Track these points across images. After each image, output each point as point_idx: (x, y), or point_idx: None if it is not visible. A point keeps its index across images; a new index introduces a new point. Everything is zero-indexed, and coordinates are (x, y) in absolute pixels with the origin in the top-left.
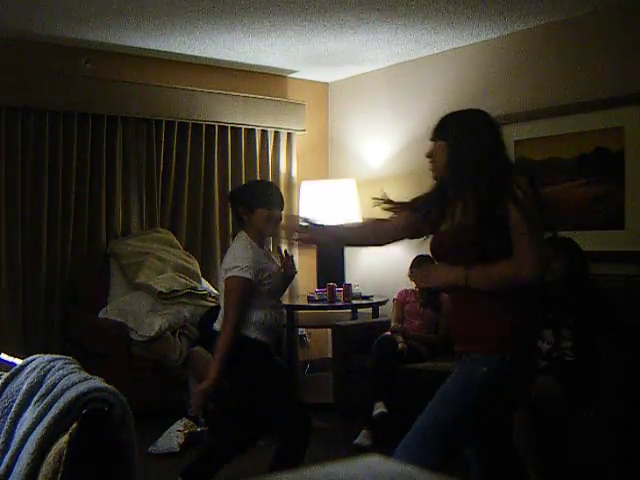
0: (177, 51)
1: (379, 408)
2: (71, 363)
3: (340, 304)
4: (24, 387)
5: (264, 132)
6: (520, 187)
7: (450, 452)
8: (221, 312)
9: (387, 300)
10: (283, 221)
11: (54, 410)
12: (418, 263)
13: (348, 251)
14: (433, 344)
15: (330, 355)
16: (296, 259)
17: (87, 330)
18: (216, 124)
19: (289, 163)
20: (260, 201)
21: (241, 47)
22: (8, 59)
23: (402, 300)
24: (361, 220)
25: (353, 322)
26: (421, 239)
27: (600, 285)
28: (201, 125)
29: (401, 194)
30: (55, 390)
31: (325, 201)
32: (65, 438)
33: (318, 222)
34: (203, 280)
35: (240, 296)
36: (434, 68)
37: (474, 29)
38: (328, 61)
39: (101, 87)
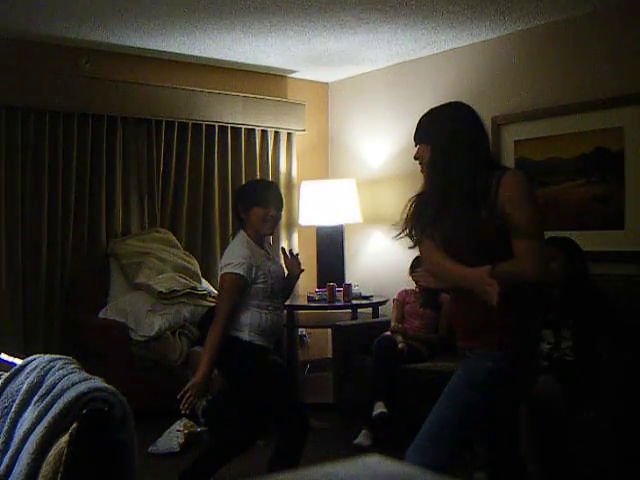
0: (177, 51)
1: (379, 408)
2: (71, 363)
3: (340, 304)
4: (24, 387)
5: (264, 132)
6: (516, 184)
7: (460, 450)
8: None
9: (387, 300)
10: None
11: (54, 410)
12: (418, 263)
13: (348, 251)
14: (433, 344)
15: (330, 355)
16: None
17: (87, 330)
18: (216, 124)
19: (289, 163)
20: (256, 200)
21: (241, 47)
22: (8, 59)
23: (402, 300)
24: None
25: (353, 322)
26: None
27: (600, 285)
28: (201, 125)
29: (401, 194)
30: (55, 390)
31: (325, 201)
32: (65, 438)
33: None
34: (203, 280)
35: (231, 291)
36: (434, 68)
37: (474, 29)
38: (328, 61)
39: (101, 87)
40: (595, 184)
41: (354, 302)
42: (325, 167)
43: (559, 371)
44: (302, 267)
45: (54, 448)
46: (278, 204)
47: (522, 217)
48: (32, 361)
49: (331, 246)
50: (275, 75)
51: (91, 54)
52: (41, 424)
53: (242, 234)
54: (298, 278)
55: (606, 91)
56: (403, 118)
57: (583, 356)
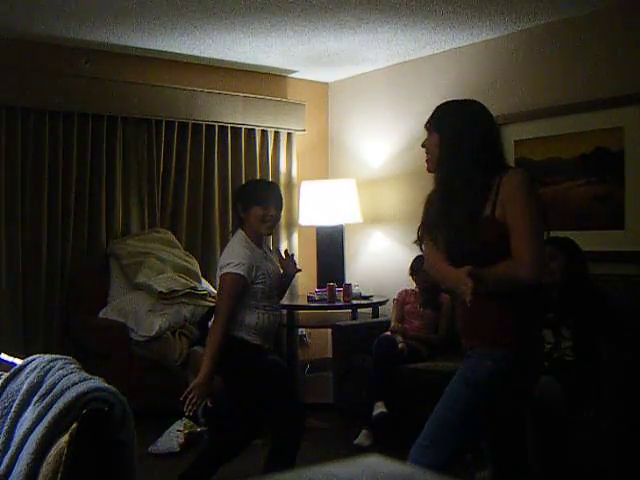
0: (177, 51)
1: (379, 408)
2: (71, 363)
3: (340, 304)
4: (24, 387)
5: (264, 132)
6: (516, 184)
7: (462, 449)
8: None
9: (387, 300)
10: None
11: (54, 410)
12: (418, 263)
13: (348, 251)
14: (433, 344)
15: (330, 355)
16: (296, 259)
17: (87, 330)
18: (216, 124)
19: (289, 163)
20: (255, 199)
21: (241, 47)
22: (8, 59)
23: (402, 300)
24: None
25: (353, 322)
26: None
27: (600, 285)
28: (201, 125)
29: (401, 194)
30: (55, 390)
31: (325, 201)
32: (65, 438)
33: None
34: (203, 280)
35: (232, 292)
36: (434, 68)
37: (474, 29)
38: (328, 61)
39: (101, 87)
40: (595, 184)
41: (354, 302)
42: (325, 167)
43: (559, 371)
44: (299, 267)
45: (54, 448)
46: (278, 204)
47: (520, 218)
48: (32, 361)
49: (331, 246)
50: (275, 75)
51: (91, 54)
52: (41, 424)
53: (241, 234)
54: (292, 278)
55: (606, 91)
56: (403, 118)
57: (583, 356)
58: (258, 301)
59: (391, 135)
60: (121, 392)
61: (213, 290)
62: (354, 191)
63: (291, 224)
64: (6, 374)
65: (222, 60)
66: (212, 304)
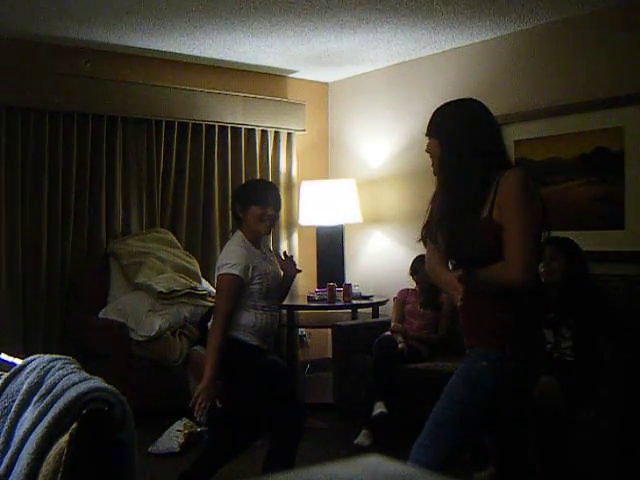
0: (177, 51)
1: (379, 408)
2: (71, 363)
3: (340, 304)
4: (24, 387)
5: (264, 132)
6: (512, 184)
7: (461, 448)
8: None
9: (387, 300)
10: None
11: (54, 410)
12: (418, 263)
13: (348, 251)
14: (433, 344)
15: (330, 355)
16: (296, 259)
17: (87, 330)
18: (216, 124)
19: (289, 163)
20: (253, 199)
21: (241, 47)
22: (8, 59)
23: (402, 300)
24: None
25: (353, 322)
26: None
27: (600, 285)
28: (201, 125)
29: (401, 194)
30: (55, 390)
31: (325, 201)
32: (65, 438)
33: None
34: (203, 280)
35: (229, 292)
36: (434, 68)
37: (474, 29)
38: (328, 61)
39: (101, 87)
40: (595, 184)
41: (354, 302)
42: (325, 167)
43: (559, 371)
44: (299, 268)
45: (54, 448)
46: (276, 204)
47: (513, 220)
48: (32, 361)
49: (331, 246)
50: (275, 75)
51: (91, 54)
52: (41, 424)
53: (238, 234)
54: (293, 279)
55: (606, 91)
56: (403, 118)
57: (583, 356)
58: (255, 301)
59: (391, 135)
60: (121, 392)
61: (213, 290)
62: (354, 191)
63: (291, 224)
64: (6, 374)
65: (222, 60)
66: (212, 304)
